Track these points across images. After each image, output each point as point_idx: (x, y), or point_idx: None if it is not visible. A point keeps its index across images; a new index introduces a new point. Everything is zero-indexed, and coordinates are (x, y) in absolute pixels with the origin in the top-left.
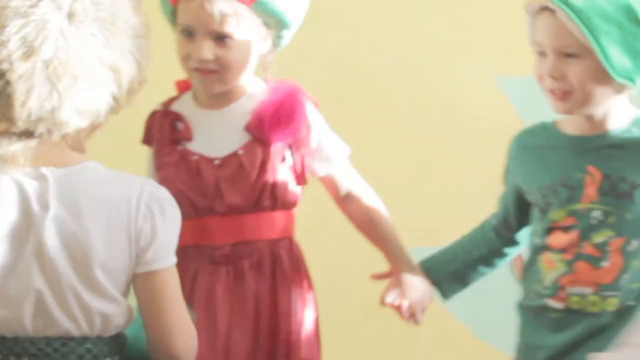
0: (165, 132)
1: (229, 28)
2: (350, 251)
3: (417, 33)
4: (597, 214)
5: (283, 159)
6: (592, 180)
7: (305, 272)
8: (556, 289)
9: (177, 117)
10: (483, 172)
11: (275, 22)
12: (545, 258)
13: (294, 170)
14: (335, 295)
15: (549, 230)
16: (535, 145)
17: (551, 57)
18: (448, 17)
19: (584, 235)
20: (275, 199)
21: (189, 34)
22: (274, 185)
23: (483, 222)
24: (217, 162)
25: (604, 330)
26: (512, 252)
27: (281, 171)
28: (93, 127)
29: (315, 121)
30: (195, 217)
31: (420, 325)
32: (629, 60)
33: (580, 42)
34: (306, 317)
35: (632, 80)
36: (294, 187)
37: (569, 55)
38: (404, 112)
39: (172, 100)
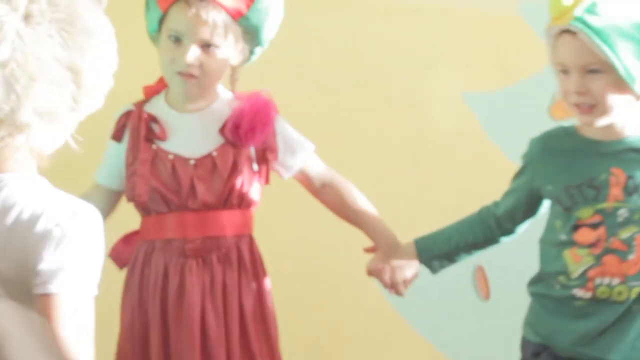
0: (141, 131)
1: (217, 38)
2: (302, 248)
3: (387, 47)
4: (623, 211)
5: (250, 162)
6: (616, 181)
7: (262, 265)
8: (585, 281)
9: (153, 119)
10: (449, 184)
11: (252, 38)
12: (573, 252)
13: (259, 172)
14: (288, 291)
15: (576, 227)
16: (560, 148)
17: (575, 75)
18: (417, 32)
19: (612, 231)
20: (241, 198)
21: (176, 39)
22: (242, 185)
23: (481, 211)
24: (192, 162)
25: (625, 316)
26: (504, 241)
27: (248, 173)
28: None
29: (281, 127)
30: (168, 212)
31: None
32: None
33: (601, 59)
34: (267, 301)
35: None
36: (257, 188)
37: (591, 72)
38: (371, 125)
39: (144, 102)
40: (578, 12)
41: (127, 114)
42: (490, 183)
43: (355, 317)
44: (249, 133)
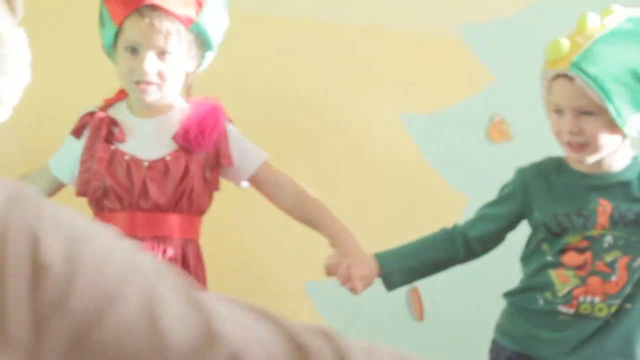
0: (101, 131)
1: (171, 45)
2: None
3: (324, 67)
4: (608, 238)
5: (202, 169)
6: (603, 210)
7: (203, 272)
8: (570, 298)
9: (114, 122)
10: (385, 205)
11: (202, 44)
12: (559, 273)
13: (210, 179)
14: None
15: (564, 250)
16: (550, 178)
17: (569, 116)
18: (354, 53)
19: (597, 256)
20: (191, 202)
21: (132, 50)
22: (192, 191)
23: (448, 230)
24: (146, 164)
25: (603, 328)
26: (466, 262)
27: (199, 179)
28: None
29: (233, 133)
30: (120, 211)
31: None
32: (635, 114)
33: (595, 102)
34: None
35: (637, 129)
36: (208, 195)
37: (585, 113)
38: (308, 145)
39: (107, 106)
40: (575, 58)
41: (90, 114)
42: (427, 205)
43: None
44: (198, 137)
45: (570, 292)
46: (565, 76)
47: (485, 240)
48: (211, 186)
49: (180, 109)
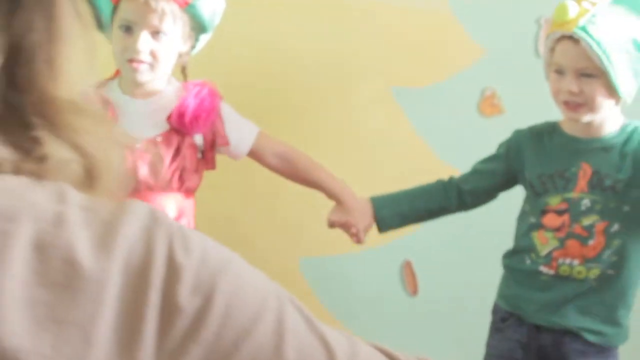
0: None
1: (166, 25)
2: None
3: (315, 42)
4: (586, 202)
5: (194, 150)
6: (584, 174)
7: None
8: (550, 259)
9: (106, 101)
10: (377, 180)
11: (197, 26)
12: (540, 235)
13: (204, 160)
14: None
15: (544, 212)
16: (543, 140)
17: (570, 77)
18: (346, 27)
19: (575, 219)
20: (182, 182)
21: (127, 29)
22: (183, 171)
23: (444, 181)
24: (136, 144)
25: (586, 293)
26: (457, 212)
27: (190, 160)
28: None
29: (227, 112)
30: None
31: None
32: (631, 81)
33: (596, 65)
34: None
35: (632, 95)
36: (199, 175)
37: (585, 75)
38: (301, 119)
39: (99, 85)
40: (582, 22)
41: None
42: (418, 179)
43: None
44: (193, 121)
45: (550, 253)
46: (570, 38)
47: (477, 194)
48: (205, 166)
49: (173, 90)
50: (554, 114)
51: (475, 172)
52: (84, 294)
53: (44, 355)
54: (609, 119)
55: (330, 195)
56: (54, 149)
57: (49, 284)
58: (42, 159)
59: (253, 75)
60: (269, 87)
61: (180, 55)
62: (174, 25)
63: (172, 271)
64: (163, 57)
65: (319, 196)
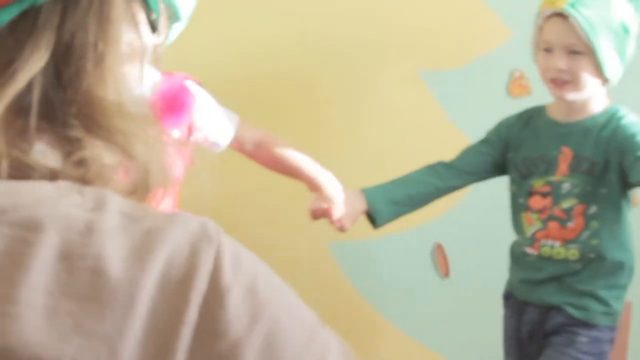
0: None
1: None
2: None
3: (343, 25)
4: (566, 185)
5: (172, 144)
6: (564, 158)
7: None
8: (533, 240)
9: None
10: (407, 163)
11: (170, 14)
12: (527, 216)
13: (183, 153)
14: None
15: (530, 193)
16: (529, 124)
17: (559, 53)
18: (375, 10)
19: (556, 201)
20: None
21: None
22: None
23: (433, 164)
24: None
25: (569, 275)
26: (451, 192)
27: (169, 154)
28: None
29: (205, 104)
30: None
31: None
32: (617, 61)
33: (584, 42)
34: None
35: (617, 76)
36: (177, 170)
37: (573, 52)
38: (330, 106)
39: None
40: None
41: None
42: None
43: (316, 299)
44: (165, 117)
45: (534, 234)
46: (560, 15)
47: (468, 169)
48: (185, 158)
49: (150, 83)
50: None
51: (466, 151)
52: (112, 307)
53: None
54: (593, 101)
55: (309, 183)
56: (97, 152)
57: (74, 295)
58: (83, 162)
59: (280, 62)
60: (296, 73)
61: (154, 46)
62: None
63: (215, 292)
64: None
65: (348, 180)
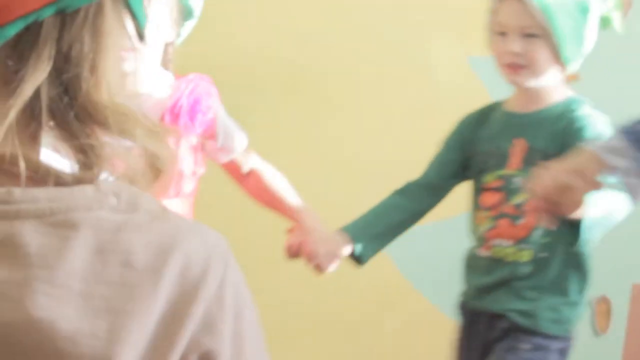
0: None
1: (153, 10)
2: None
3: (391, 13)
4: (518, 179)
5: (192, 152)
6: (518, 150)
7: None
8: (484, 241)
9: None
10: None
11: (184, 9)
12: (477, 215)
13: (198, 160)
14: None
15: (481, 190)
16: (485, 120)
17: (514, 36)
18: None
19: (508, 196)
20: (179, 187)
21: None
22: (180, 175)
23: (402, 188)
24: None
25: (521, 278)
26: (429, 211)
27: (187, 161)
28: None
29: (222, 112)
30: None
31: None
32: (575, 46)
33: (540, 24)
34: None
35: (574, 61)
36: (194, 178)
37: (529, 36)
38: (376, 91)
39: None
40: None
41: None
42: None
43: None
44: (188, 124)
45: (484, 234)
46: None
47: (438, 184)
48: (200, 167)
49: (163, 85)
50: (627, 77)
51: (430, 165)
52: (139, 290)
53: (99, 338)
54: (551, 90)
55: (289, 216)
56: (97, 146)
57: (106, 282)
58: (86, 157)
59: (325, 49)
60: (340, 61)
61: (166, 45)
62: (162, 8)
63: (219, 298)
64: (149, 46)
65: (400, 160)
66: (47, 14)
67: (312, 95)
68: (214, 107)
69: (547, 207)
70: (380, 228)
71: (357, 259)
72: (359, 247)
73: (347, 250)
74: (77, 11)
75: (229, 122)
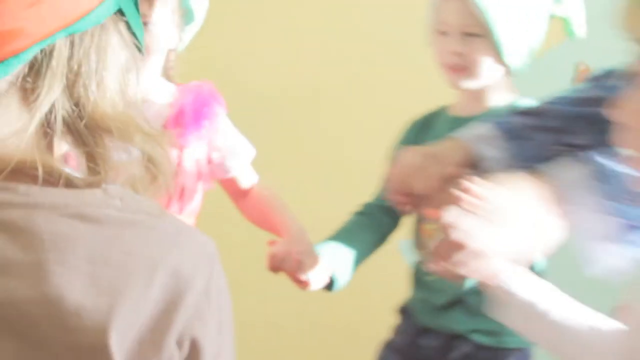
0: None
1: (155, 14)
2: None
3: (391, 13)
4: None
5: (196, 164)
6: None
7: None
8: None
9: None
10: None
11: (184, 12)
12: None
13: (203, 175)
14: None
15: None
16: (427, 126)
17: (455, 36)
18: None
19: None
20: (183, 204)
21: None
22: (183, 190)
23: (362, 210)
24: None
25: (473, 294)
26: (397, 227)
27: (192, 177)
28: None
29: (227, 124)
30: None
31: None
32: (520, 47)
33: (481, 23)
34: None
35: (517, 62)
36: (199, 194)
37: (470, 35)
38: (378, 90)
39: None
40: None
41: None
42: None
43: None
44: (194, 125)
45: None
46: None
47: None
48: (205, 183)
49: (166, 94)
50: None
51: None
52: (139, 275)
53: (102, 312)
54: (494, 93)
55: (282, 234)
56: (105, 152)
57: (111, 265)
58: (95, 162)
59: (325, 49)
60: (340, 61)
61: (168, 52)
62: (164, 14)
63: (208, 293)
64: (153, 52)
65: None
66: (60, 37)
67: (311, 95)
68: (220, 114)
69: (408, 199)
70: (355, 255)
71: (331, 286)
72: (337, 277)
73: (326, 278)
74: (84, 32)
75: (235, 136)
